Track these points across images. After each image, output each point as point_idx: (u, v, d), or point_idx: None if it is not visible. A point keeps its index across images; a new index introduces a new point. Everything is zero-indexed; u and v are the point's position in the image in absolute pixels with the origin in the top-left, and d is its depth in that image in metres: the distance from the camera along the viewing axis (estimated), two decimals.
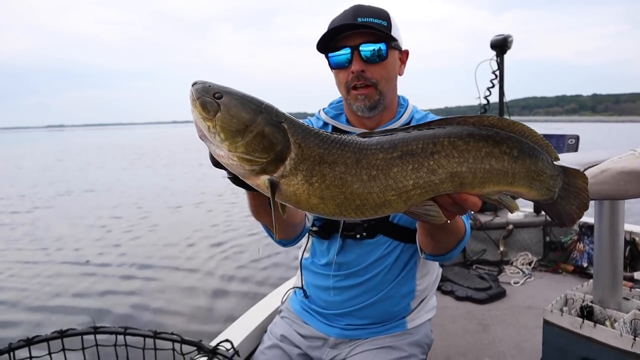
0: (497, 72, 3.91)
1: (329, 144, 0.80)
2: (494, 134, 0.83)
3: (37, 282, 6.24)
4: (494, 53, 3.90)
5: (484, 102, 3.99)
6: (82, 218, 10.38)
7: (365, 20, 1.33)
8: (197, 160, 23.57)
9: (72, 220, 10.29)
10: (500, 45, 3.84)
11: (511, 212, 0.92)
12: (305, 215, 1.41)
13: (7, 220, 10.22)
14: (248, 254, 7.22)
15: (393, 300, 1.52)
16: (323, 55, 1.45)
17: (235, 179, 0.86)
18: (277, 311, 1.78)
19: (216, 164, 0.84)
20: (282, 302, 1.80)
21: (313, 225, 1.54)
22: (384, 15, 1.37)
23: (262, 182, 0.80)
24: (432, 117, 1.53)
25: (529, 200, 0.91)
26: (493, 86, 3.97)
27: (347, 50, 1.36)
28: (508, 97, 4.07)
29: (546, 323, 1.68)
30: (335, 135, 0.82)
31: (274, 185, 0.79)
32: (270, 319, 1.94)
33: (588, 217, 3.35)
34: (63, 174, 19.61)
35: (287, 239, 1.43)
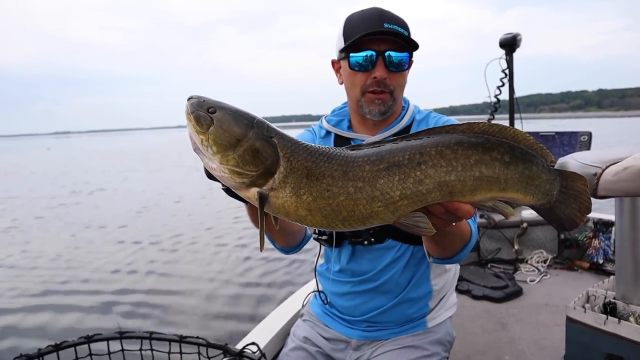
0: (507, 71, 3.91)
1: (316, 157, 0.82)
2: (483, 140, 0.83)
3: (64, 288, 6.33)
4: (502, 52, 3.89)
5: (495, 100, 3.99)
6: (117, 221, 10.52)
7: (391, 27, 1.33)
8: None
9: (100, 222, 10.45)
10: (510, 44, 3.83)
11: (506, 218, 0.91)
12: None
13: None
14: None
15: (410, 303, 1.52)
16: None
17: (229, 191, 0.88)
18: (298, 314, 1.78)
19: (209, 176, 0.86)
20: (303, 305, 1.81)
21: (323, 234, 1.54)
22: (405, 25, 1.38)
23: (252, 194, 0.82)
24: (434, 116, 1.53)
25: (525, 205, 0.90)
26: (503, 85, 3.96)
27: (372, 54, 1.35)
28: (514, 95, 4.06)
29: (569, 320, 1.68)
30: (324, 149, 0.83)
31: (262, 198, 0.81)
32: (292, 321, 1.95)
33: (602, 214, 3.34)
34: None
35: (288, 247, 1.44)
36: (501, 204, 0.87)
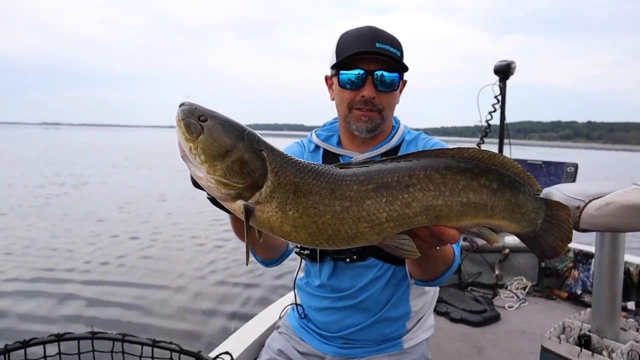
0: (499, 97, 3.96)
1: (305, 173, 0.81)
2: (472, 166, 0.84)
3: (38, 286, 6.12)
4: (496, 78, 3.95)
5: (485, 125, 4.03)
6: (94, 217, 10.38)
7: (383, 46, 1.34)
8: None
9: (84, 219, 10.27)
10: (504, 71, 3.89)
11: (490, 245, 0.91)
12: None
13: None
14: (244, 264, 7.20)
15: (387, 322, 1.52)
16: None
17: (214, 201, 0.87)
18: (274, 326, 1.77)
19: (195, 184, 0.85)
20: (280, 317, 1.79)
21: (305, 248, 1.53)
22: (398, 45, 1.39)
23: (237, 206, 0.81)
24: (424, 137, 1.54)
25: (510, 232, 0.91)
26: (495, 110, 4.01)
27: (361, 73, 1.36)
28: (505, 121, 4.11)
29: (544, 350, 1.69)
30: (313, 165, 0.83)
31: (248, 211, 0.80)
32: (267, 333, 1.93)
33: (583, 245, 3.37)
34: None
35: (270, 260, 1.43)
36: (486, 230, 0.88)
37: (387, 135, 1.53)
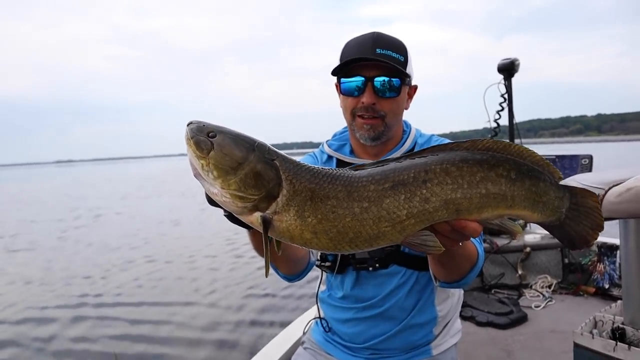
0: (506, 96, 3.93)
1: (320, 178, 0.80)
2: (488, 157, 0.82)
3: (56, 322, 6.18)
4: (501, 77, 3.93)
5: (494, 125, 4.00)
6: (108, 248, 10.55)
7: (383, 52, 1.33)
8: None
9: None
10: (508, 69, 3.87)
11: (514, 237, 0.89)
12: (310, 250, 1.40)
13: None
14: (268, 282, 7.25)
15: (414, 329, 1.49)
16: (332, 76, 1.45)
17: (231, 217, 0.87)
18: (299, 342, 1.74)
19: (211, 202, 0.84)
20: (304, 332, 1.77)
21: (326, 260, 1.52)
22: (401, 49, 1.37)
23: (255, 219, 0.80)
24: (436, 139, 1.53)
25: (534, 222, 0.89)
26: (502, 109, 3.98)
27: (360, 80, 1.36)
28: (514, 120, 4.07)
29: (577, 346, 1.63)
30: (327, 170, 0.82)
31: (266, 222, 0.79)
32: (292, 349, 1.91)
33: (607, 237, 3.30)
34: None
35: (292, 274, 1.42)
36: (509, 222, 0.86)
37: (399, 140, 1.52)
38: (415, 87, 1.49)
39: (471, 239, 1.18)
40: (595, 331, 1.65)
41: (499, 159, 0.83)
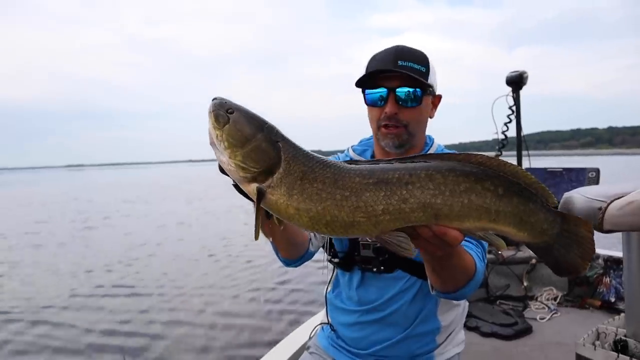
0: (514, 108, 3.95)
1: (313, 163, 0.90)
2: (478, 171, 0.86)
3: (67, 317, 6.35)
4: (509, 89, 3.95)
5: (502, 137, 4.01)
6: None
7: (405, 64, 1.38)
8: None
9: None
10: (516, 82, 3.88)
11: (498, 250, 0.92)
12: (310, 239, 1.48)
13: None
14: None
15: (417, 338, 1.51)
16: (356, 88, 1.49)
17: (237, 187, 0.97)
18: (304, 347, 1.77)
19: (221, 170, 0.95)
20: (309, 337, 1.80)
21: (336, 257, 1.57)
22: (423, 61, 1.42)
23: (251, 188, 0.91)
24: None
25: (519, 241, 0.91)
26: (510, 121, 4.00)
27: (383, 91, 1.41)
28: (523, 132, 4.08)
29: (579, 358, 1.65)
30: (322, 158, 0.91)
31: (260, 193, 0.89)
32: (297, 354, 1.94)
33: (613, 251, 3.29)
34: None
35: (290, 259, 1.47)
36: (492, 236, 0.89)
37: (420, 151, 1.56)
38: (440, 97, 1.54)
39: (471, 253, 1.21)
40: (597, 343, 1.67)
41: (489, 174, 0.87)
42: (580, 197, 1.44)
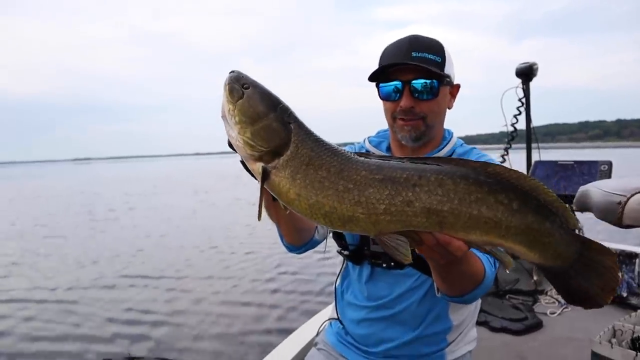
0: (524, 100, 3.89)
1: (322, 150, 0.87)
2: (493, 181, 0.80)
3: (68, 308, 6.36)
4: (519, 81, 3.88)
5: (512, 129, 3.96)
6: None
7: (419, 55, 1.33)
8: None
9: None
10: (526, 73, 3.82)
11: (505, 268, 0.85)
12: (316, 226, 1.42)
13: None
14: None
15: (427, 339, 1.47)
16: (370, 82, 1.44)
17: (244, 164, 0.95)
18: (312, 342, 1.75)
19: (230, 145, 0.93)
20: (317, 333, 1.77)
21: (346, 249, 1.53)
22: (438, 50, 1.37)
23: (257, 167, 0.88)
24: (477, 153, 1.49)
25: (530, 261, 0.85)
26: (520, 114, 3.94)
27: (398, 84, 1.36)
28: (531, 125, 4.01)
29: (595, 356, 1.61)
30: (332, 146, 0.88)
31: (265, 173, 0.87)
32: (305, 350, 1.91)
33: (625, 245, 3.24)
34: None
35: (294, 245, 1.42)
36: (500, 252, 0.84)
37: (438, 144, 1.50)
38: (458, 86, 1.49)
39: (480, 257, 1.14)
40: (614, 340, 1.63)
41: (505, 186, 0.81)
42: (597, 190, 1.40)
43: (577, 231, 0.86)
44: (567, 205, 0.83)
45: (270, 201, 0.99)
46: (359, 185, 0.82)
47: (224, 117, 0.91)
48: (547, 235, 0.81)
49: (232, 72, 0.91)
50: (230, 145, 0.93)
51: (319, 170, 0.84)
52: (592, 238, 0.87)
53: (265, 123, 0.87)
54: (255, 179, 0.92)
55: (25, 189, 35.42)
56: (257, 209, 0.89)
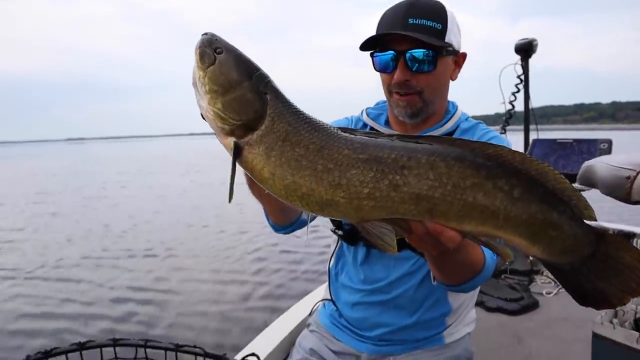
0: (522, 77, 3.81)
1: (300, 124, 0.77)
2: (493, 165, 0.70)
3: (54, 288, 6.30)
4: (517, 58, 3.79)
5: (510, 107, 3.88)
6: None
7: (416, 22, 1.20)
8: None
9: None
10: (525, 49, 3.74)
11: (504, 260, 0.75)
12: None
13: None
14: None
15: (425, 324, 1.41)
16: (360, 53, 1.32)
17: None
18: (304, 323, 1.69)
19: (202, 115, 0.83)
20: (310, 314, 1.71)
21: (340, 228, 1.45)
22: (439, 16, 1.23)
23: (228, 142, 0.80)
24: (483, 128, 1.38)
25: (534, 256, 0.76)
26: (518, 91, 3.87)
27: (392, 54, 1.24)
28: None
29: (596, 336, 1.56)
30: (313, 120, 0.77)
31: (237, 149, 0.78)
32: (297, 331, 1.86)
33: (623, 225, 3.21)
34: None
35: (280, 225, 1.34)
36: (497, 244, 0.74)
37: (440, 119, 1.39)
38: (464, 55, 1.35)
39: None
40: (615, 321, 1.57)
41: (507, 170, 0.70)
42: (604, 165, 1.32)
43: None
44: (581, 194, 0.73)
45: (256, 190, 0.90)
46: (340, 165, 0.72)
47: (194, 84, 0.81)
48: (553, 228, 0.72)
49: (205, 34, 0.81)
50: (202, 116, 0.83)
51: (296, 147, 0.75)
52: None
53: (238, 93, 0.77)
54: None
55: (22, 168, 35.36)
56: (229, 188, 0.80)
